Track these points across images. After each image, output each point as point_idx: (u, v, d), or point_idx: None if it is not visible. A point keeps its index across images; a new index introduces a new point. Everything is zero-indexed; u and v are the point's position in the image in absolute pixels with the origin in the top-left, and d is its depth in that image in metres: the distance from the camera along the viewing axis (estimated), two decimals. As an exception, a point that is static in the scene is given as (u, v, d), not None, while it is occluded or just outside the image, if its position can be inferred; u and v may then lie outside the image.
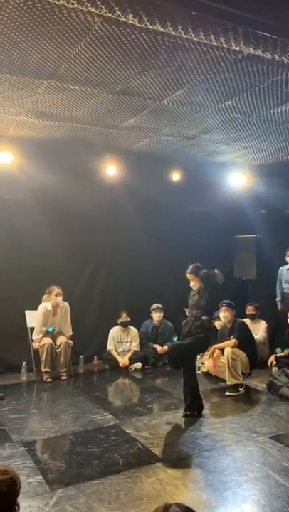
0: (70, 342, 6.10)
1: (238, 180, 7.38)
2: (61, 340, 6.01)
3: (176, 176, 7.02)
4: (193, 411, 4.64)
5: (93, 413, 4.77)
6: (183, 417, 4.60)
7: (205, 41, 2.46)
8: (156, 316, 6.91)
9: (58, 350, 5.97)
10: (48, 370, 5.93)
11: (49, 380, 5.90)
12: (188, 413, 4.63)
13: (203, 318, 4.70)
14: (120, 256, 7.04)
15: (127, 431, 4.26)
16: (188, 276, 4.84)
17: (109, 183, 6.57)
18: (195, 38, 2.42)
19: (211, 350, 5.73)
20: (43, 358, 5.90)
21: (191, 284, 4.84)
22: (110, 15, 2.22)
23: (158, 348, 6.78)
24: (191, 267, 4.86)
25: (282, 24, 2.33)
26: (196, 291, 4.79)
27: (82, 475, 3.41)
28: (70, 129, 5.38)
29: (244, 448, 3.90)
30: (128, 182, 6.58)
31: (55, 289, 6.00)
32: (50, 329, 6.06)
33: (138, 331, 6.84)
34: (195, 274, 4.79)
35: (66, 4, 2.14)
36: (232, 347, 5.55)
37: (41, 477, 3.38)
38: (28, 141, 5.78)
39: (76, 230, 6.66)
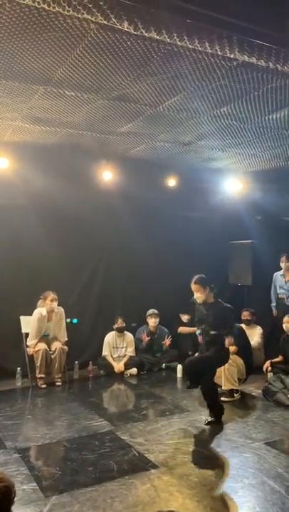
0: (65, 348, 6.07)
1: (234, 186, 7.41)
2: (56, 345, 5.99)
3: (172, 182, 7.04)
4: (216, 416, 4.58)
5: (88, 419, 4.75)
6: (206, 424, 4.53)
7: (200, 49, 2.48)
8: (152, 322, 6.90)
9: (52, 356, 5.94)
10: (43, 375, 5.90)
11: (44, 385, 5.87)
12: (211, 419, 4.55)
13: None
14: (116, 262, 7.03)
15: (122, 437, 4.24)
16: (194, 286, 4.51)
17: (106, 189, 6.58)
18: (190, 46, 2.44)
19: None
20: (38, 364, 5.87)
21: (196, 295, 4.54)
22: (106, 22, 2.23)
23: (167, 342, 6.85)
24: (197, 276, 4.54)
25: (276, 33, 2.36)
26: (210, 304, 4.53)
27: (76, 482, 3.39)
28: (66, 135, 5.39)
29: (239, 454, 3.89)
30: (124, 188, 6.59)
31: (51, 295, 5.98)
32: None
33: (134, 336, 6.83)
34: (201, 284, 4.50)
35: (62, 11, 2.16)
36: (231, 353, 5.54)
37: (35, 484, 3.35)
38: (24, 147, 5.78)
39: (72, 236, 6.65)
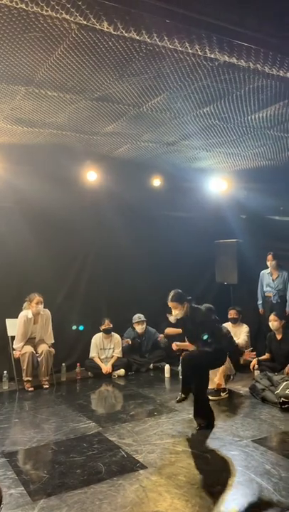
0: (52, 350, 6.03)
1: (219, 185, 7.45)
2: (43, 348, 5.94)
3: (157, 182, 7.05)
4: (205, 422, 4.44)
5: (76, 421, 4.72)
6: (197, 429, 4.39)
7: (180, 49, 2.49)
8: (140, 329, 6.90)
9: (39, 359, 5.91)
10: (30, 378, 5.86)
11: (31, 389, 5.83)
12: (202, 425, 4.41)
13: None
14: (102, 262, 7.02)
15: (110, 438, 4.23)
16: (171, 304, 4.48)
17: (91, 189, 6.56)
18: (170, 46, 2.45)
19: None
20: (25, 367, 5.83)
21: (175, 312, 4.50)
22: (85, 22, 2.22)
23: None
24: (172, 294, 4.49)
25: (255, 33, 2.37)
26: (190, 318, 4.49)
27: (64, 485, 3.37)
28: (50, 135, 5.36)
29: (227, 452, 3.91)
30: (109, 188, 6.58)
31: (36, 297, 5.94)
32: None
33: (121, 337, 6.82)
34: (178, 301, 4.46)
35: (40, 11, 2.14)
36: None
37: (23, 488, 3.32)
38: (7, 148, 5.72)
39: (57, 237, 6.61)
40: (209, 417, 4.49)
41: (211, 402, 4.67)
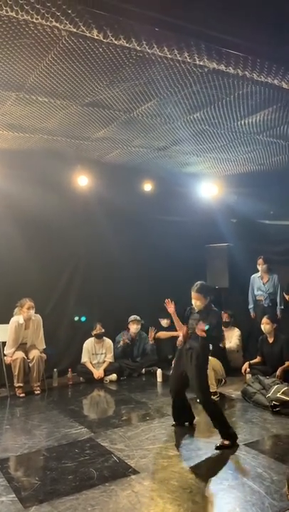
0: (44, 355, 6.01)
1: (209, 190, 7.50)
2: (34, 353, 5.91)
3: (148, 187, 7.08)
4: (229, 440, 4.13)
5: (68, 427, 4.70)
6: (216, 449, 4.05)
7: (170, 56, 2.52)
8: (134, 328, 6.90)
9: (30, 365, 5.87)
10: (21, 384, 5.82)
11: (22, 394, 5.79)
12: (218, 445, 4.08)
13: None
14: (93, 267, 7.01)
15: (102, 444, 4.21)
16: (194, 295, 4.29)
17: (82, 194, 6.56)
18: (160, 53, 2.48)
19: None
20: (16, 373, 5.79)
21: (195, 303, 4.32)
22: (75, 30, 2.24)
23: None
24: (198, 284, 4.30)
25: (243, 41, 2.41)
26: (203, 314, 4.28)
27: (56, 491, 3.35)
28: (41, 141, 5.37)
29: (219, 456, 3.91)
30: (100, 193, 6.60)
31: (27, 302, 5.91)
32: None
33: (113, 342, 6.82)
34: (202, 294, 4.27)
35: (30, 19, 2.16)
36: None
37: (14, 495, 3.29)
38: (-3, 153, 5.73)
39: (48, 242, 6.60)
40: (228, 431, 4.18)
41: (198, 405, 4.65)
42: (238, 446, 4.09)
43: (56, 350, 6.48)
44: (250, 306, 7.26)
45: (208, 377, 5.34)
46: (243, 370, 6.06)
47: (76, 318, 6.79)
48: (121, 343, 6.79)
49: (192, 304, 4.37)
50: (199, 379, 4.23)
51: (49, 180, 6.19)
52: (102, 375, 6.43)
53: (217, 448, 4.05)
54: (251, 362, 6.13)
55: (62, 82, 3.73)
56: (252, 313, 7.24)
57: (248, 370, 6.03)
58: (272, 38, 2.54)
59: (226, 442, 4.09)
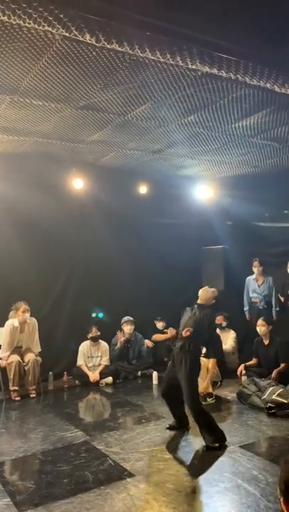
0: (39, 359, 5.99)
1: (205, 192, 7.52)
2: (29, 357, 5.90)
3: (143, 189, 7.09)
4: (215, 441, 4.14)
5: (63, 430, 4.69)
6: (206, 448, 4.10)
7: (162, 60, 2.53)
8: (128, 329, 6.90)
9: (26, 368, 5.86)
10: (17, 388, 5.80)
11: (18, 398, 5.77)
12: (209, 445, 4.12)
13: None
14: (89, 269, 7.01)
15: (98, 447, 4.20)
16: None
17: (77, 197, 6.56)
18: (152, 57, 2.49)
19: None
20: (11, 376, 5.77)
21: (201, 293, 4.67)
22: (67, 34, 2.25)
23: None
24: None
25: (235, 45, 2.43)
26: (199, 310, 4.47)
27: (51, 495, 3.34)
28: (36, 144, 5.37)
29: (215, 458, 3.91)
30: (96, 195, 6.60)
31: (23, 305, 5.90)
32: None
33: (109, 344, 6.81)
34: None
35: (23, 23, 2.17)
36: (213, 365, 5.64)
37: (9, 499, 3.28)
38: (-8, 156, 5.72)
39: (43, 245, 6.59)
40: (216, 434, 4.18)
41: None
42: (226, 447, 4.11)
43: (51, 353, 6.47)
44: (246, 308, 7.27)
45: (204, 379, 5.41)
46: (238, 372, 6.07)
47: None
48: (118, 345, 6.78)
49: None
50: (189, 384, 4.25)
51: (45, 183, 6.19)
52: (98, 378, 6.42)
53: (207, 448, 4.09)
54: (247, 364, 6.14)
55: (57, 86, 3.74)
56: (247, 316, 7.25)
57: (243, 372, 6.04)
58: (263, 42, 2.56)
59: (216, 445, 4.11)
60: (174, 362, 4.43)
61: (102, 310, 7.06)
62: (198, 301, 4.58)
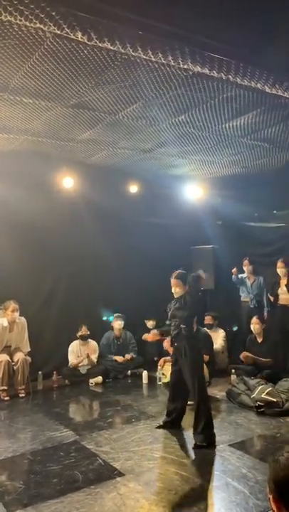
0: (28, 358, 5.96)
1: (195, 192, 7.54)
2: (19, 356, 5.86)
3: (133, 188, 7.09)
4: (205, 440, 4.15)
5: (52, 430, 4.67)
6: (194, 448, 4.11)
7: (154, 59, 2.53)
8: (117, 325, 6.89)
9: (15, 367, 5.82)
10: (6, 387, 5.76)
11: (6, 398, 5.73)
12: (198, 443, 4.13)
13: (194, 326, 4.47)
14: (78, 269, 6.97)
15: (88, 446, 4.19)
16: (173, 281, 4.51)
17: (67, 196, 6.53)
18: (144, 56, 2.49)
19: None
20: (0, 376, 5.73)
21: (174, 290, 4.53)
22: (59, 32, 2.24)
23: (118, 358, 6.75)
24: (177, 272, 4.55)
25: (226, 45, 2.44)
26: (181, 298, 4.47)
27: (40, 495, 3.32)
28: (25, 142, 5.33)
29: (204, 457, 3.93)
30: (86, 194, 6.58)
31: (12, 305, 5.86)
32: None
33: (99, 343, 6.80)
34: (181, 280, 4.49)
35: (14, 20, 2.15)
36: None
37: (-2, 500, 3.26)
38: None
39: (33, 244, 6.54)
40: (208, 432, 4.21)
41: (188, 407, 4.66)
42: (216, 446, 4.12)
43: (41, 352, 6.44)
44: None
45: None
46: (242, 358, 6.11)
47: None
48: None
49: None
50: (193, 373, 4.29)
51: (35, 182, 6.14)
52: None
53: (196, 447, 4.10)
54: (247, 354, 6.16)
55: (47, 84, 3.72)
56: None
57: (232, 370, 6.09)
58: (254, 43, 2.57)
59: (204, 444, 4.12)
60: (177, 355, 4.47)
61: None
62: (177, 296, 4.56)
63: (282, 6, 2.53)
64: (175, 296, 4.55)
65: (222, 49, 2.45)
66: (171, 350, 4.74)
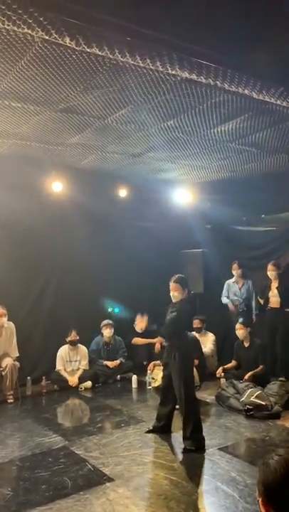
0: (17, 363, 5.91)
1: (184, 196, 7.57)
2: (7, 362, 5.82)
3: (123, 193, 7.09)
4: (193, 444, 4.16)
5: (41, 436, 4.63)
6: (183, 452, 4.13)
7: (142, 65, 2.54)
8: (107, 332, 6.87)
9: (3, 373, 5.77)
10: (-6, 393, 5.71)
11: (-5, 403, 5.69)
12: (187, 447, 4.16)
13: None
14: (68, 273, 6.95)
15: (77, 452, 4.17)
16: (172, 285, 4.44)
17: (57, 200, 6.51)
18: (132, 62, 2.50)
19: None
20: (-12, 382, 5.69)
21: (173, 294, 4.45)
22: (47, 37, 2.24)
23: (109, 363, 6.73)
24: (177, 275, 4.50)
25: (213, 52, 2.46)
26: (176, 305, 4.42)
27: (29, 502, 3.29)
28: (14, 146, 5.31)
29: (194, 461, 3.93)
30: (75, 198, 6.56)
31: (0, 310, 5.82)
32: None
33: (88, 348, 6.77)
34: (181, 284, 4.43)
35: (1, 25, 2.15)
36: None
37: (-15, 507, 3.23)
38: None
39: (22, 248, 6.50)
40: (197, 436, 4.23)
41: (177, 411, 4.66)
42: (205, 450, 4.12)
43: (30, 357, 6.39)
44: (226, 300, 7.28)
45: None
46: (217, 374, 6.12)
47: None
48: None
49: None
50: (180, 376, 4.29)
51: (23, 186, 6.11)
52: (77, 382, 6.37)
53: (186, 451, 4.10)
54: (225, 367, 6.19)
55: (36, 88, 3.71)
56: (231, 306, 7.24)
57: (222, 374, 6.10)
58: (241, 49, 2.60)
59: (193, 448, 4.12)
60: (168, 359, 4.47)
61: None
62: (175, 300, 4.51)
63: (269, 12, 2.57)
64: (173, 301, 4.48)
65: (209, 55, 2.47)
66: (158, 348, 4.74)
